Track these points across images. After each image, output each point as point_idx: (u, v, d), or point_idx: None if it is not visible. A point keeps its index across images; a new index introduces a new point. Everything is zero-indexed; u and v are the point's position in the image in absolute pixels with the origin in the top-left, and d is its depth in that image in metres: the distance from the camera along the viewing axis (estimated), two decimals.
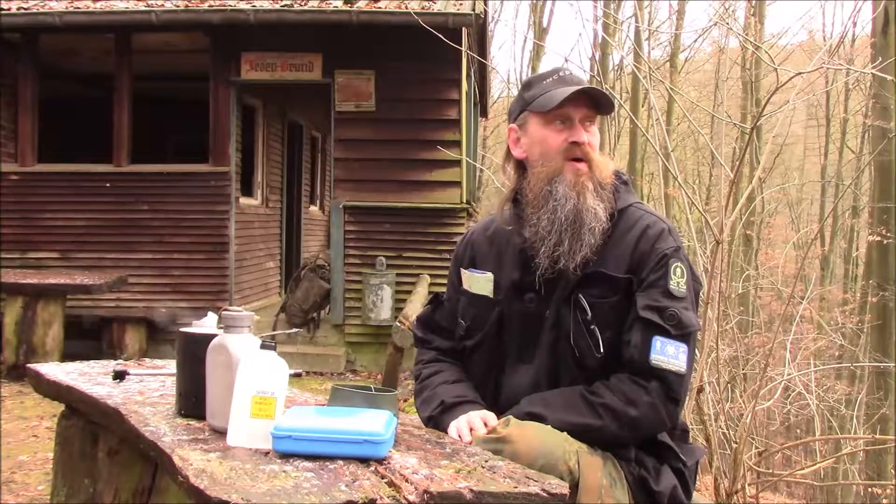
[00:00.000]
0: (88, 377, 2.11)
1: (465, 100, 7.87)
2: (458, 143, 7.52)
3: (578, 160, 1.77)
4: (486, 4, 9.31)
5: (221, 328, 1.65)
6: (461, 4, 7.32)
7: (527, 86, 1.86)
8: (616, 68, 16.02)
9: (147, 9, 7.43)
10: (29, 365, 2.36)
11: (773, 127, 8.40)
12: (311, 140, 12.45)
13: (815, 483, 6.50)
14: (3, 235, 7.71)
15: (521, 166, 1.87)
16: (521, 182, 1.86)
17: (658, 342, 1.68)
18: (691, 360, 1.73)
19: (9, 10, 7.48)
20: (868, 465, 9.52)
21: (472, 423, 1.68)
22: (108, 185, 7.83)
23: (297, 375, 1.81)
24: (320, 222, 12.79)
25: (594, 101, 1.78)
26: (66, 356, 6.22)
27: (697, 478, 2.15)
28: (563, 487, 1.29)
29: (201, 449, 1.41)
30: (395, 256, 7.65)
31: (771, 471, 4.86)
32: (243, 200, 8.67)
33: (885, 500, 7.43)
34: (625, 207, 1.80)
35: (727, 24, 5.11)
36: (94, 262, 7.70)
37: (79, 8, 7.56)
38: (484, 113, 14.18)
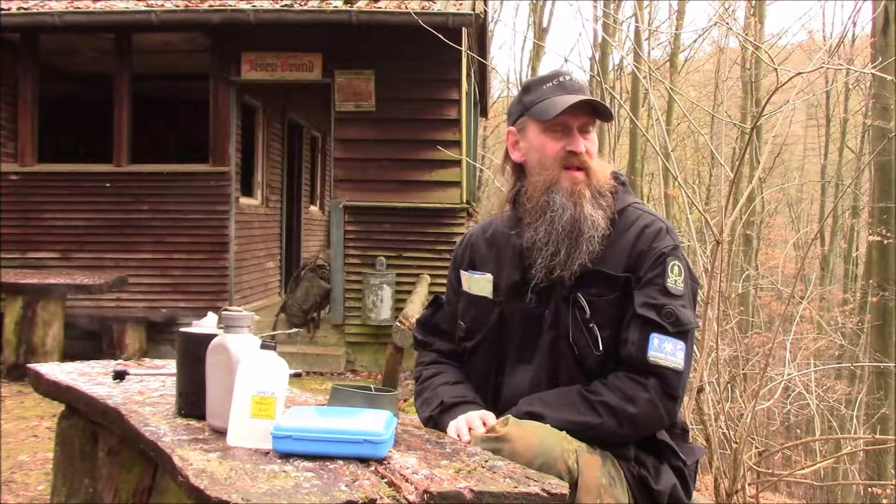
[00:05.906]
0: (88, 377, 2.11)
1: (465, 100, 7.87)
2: (458, 143, 7.52)
3: (576, 168, 1.78)
4: (486, 4, 9.31)
5: (221, 328, 1.65)
6: (461, 4, 7.32)
7: (526, 89, 1.85)
8: (616, 68, 16.03)
9: (147, 9, 7.43)
10: (29, 365, 2.36)
11: (772, 127, 8.39)
12: (311, 140, 12.46)
13: (815, 483, 6.50)
14: (3, 235, 7.71)
15: (520, 169, 1.88)
16: (519, 184, 1.87)
17: (656, 339, 1.68)
18: (689, 357, 1.73)
19: (9, 10, 7.48)
20: (868, 465, 9.50)
21: (471, 422, 1.68)
22: (108, 185, 7.83)
23: (297, 375, 1.81)
24: (320, 222, 12.79)
25: (593, 108, 1.79)
26: (66, 356, 6.23)
27: (697, 477, 2.15)
28: (562, 487, 1.28)
29: (201, 449, 1.41)
30: (395, 256, 7.65)
31: (771, 471, 4.85)
32: (243, 200, 8.67)
33: (885, 500, 7.42)
34: (623, 207, 1.81)
35: (727, 24, 5.11)
36: (94, 262, 7.70)
37: (79, 8, 7.56)
38: (484, 113, 14.17)
